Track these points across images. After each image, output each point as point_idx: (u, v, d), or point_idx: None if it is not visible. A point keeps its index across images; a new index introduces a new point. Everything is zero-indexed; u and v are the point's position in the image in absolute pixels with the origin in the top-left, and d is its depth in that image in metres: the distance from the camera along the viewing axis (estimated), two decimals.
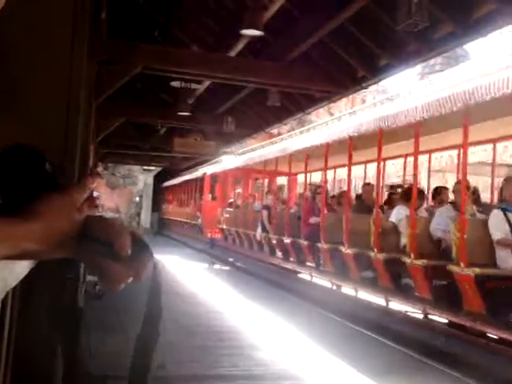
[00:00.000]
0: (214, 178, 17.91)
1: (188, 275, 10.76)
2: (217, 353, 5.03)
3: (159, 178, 24.78)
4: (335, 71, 7.53)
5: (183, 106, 9.69)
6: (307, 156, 9.11)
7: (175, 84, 9.16)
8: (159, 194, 25.98)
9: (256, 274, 10.61)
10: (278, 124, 11.61)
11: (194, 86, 9.21)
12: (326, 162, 8.41)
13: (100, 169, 21.79)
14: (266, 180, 14.36)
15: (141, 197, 24.44)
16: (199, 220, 18.31)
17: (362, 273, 7.26)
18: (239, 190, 15.56)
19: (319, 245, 8.28)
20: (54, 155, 2.19)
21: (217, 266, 12.65)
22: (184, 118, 10.43)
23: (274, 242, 10.48)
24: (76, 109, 2.57)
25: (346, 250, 7.34)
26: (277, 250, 10.49)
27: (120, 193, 23.87)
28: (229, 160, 16.15)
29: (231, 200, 15.27)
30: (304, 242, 8.92)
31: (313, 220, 8.88)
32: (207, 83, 9.05)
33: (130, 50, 6.78)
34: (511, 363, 4.70)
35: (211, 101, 10.55)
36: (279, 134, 16.68)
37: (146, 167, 23.63)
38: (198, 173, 19.72)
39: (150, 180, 24.68)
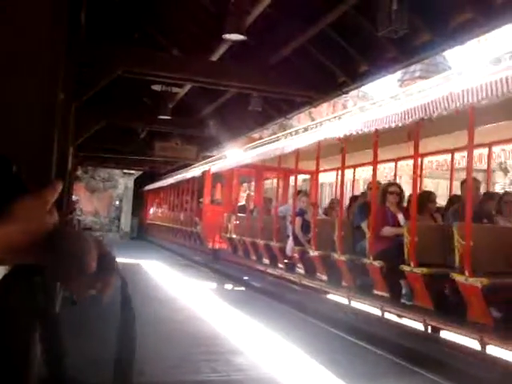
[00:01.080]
0: (217, 177, 14.71)
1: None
2: (196, 358, 5.00)
3: (140, 182, 24.61)
4: (316, 76, 7.58)
5: (164, 109, 9.65)
6: (376, 138, 6.40)
7: (156, 87, 9.13)
8: (141, 198, 25.58)
9: (289, 301, 7.83)
10: (259, 128, 11.64)
11: (174, 89, 9.18)
12: (417, 146, 5.88)
13: (79, 172, 21.61)
14: (291, 179, 11.41)
15: (121, 200, 24.25)
16: (198, 227, 15.19)
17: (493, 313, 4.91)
18: (249, 192, 12.74)
19: (406, 268, 5.60)
20: (30, 157, 2.15)
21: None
22: (165, 121, 10.38)
23: (315, 259, 7.79)
24: (53, 110, 2.53)
25: (468, 280, 4.83)
26: (318, 271, 7.79)
27: (100, 196, 23.67)
28: (236, 155, 13.10)
29: (241, 203, 12.49)
30: (374, 263, 6.20)
31: (387, 231, 6.35)
32: (188, 87, 9.03)
33: (110, 53, 6.73)
34: None
35: (192, 105, 10.53)
36: (260, 138, 16.71)
37: (126, 171, 23.48)
38: (195, 172, 16.65)
39: (131, 184, 24.52)
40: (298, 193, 9.41)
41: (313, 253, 7.82)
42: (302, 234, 8.38)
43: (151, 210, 25.14)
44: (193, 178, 16.70)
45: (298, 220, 8.53)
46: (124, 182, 24.23)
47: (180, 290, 9.48)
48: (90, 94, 7.02)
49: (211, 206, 15.06)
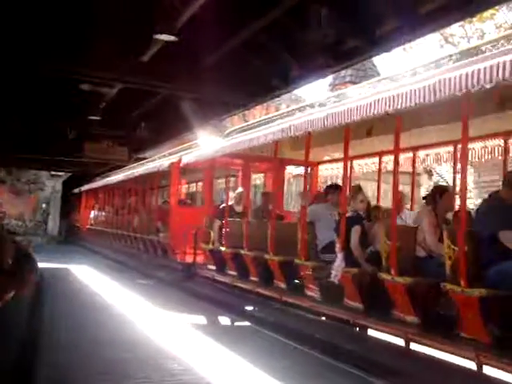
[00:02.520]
0: (188, 171, 11.80)
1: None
2: (127, 364, 4.87)
3: (69, 184, 23.74)
4: (249, 79, 7.62)
5: (94, 110, 9.38)
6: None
7: (85, 87, 8.82)
8: (73, 200, 24.47)
9: (356, 355, 4.93)
10: (192, 130, 11.55)
11: (105, 89, 8.91)
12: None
13: (2, 174, 20.59)
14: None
15: (48, 203, 23.30)
16: (162, 235, 12.05)
17: None
18: (240, 190, 9.65)
19: None
20: None
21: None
22: (95, 122, 10.09)
23: (398, 290, 4.94)
24: None
25: None
26: (402, 309, 4.95)
27: (25, 199, 22.64)
28: (219, 142, 9.96)
29: (231, 203, 9.45)
30: None
31: None
32: (119, 87, 8.80)
33: (33, 49, 6.45)
34: None
35: (124, 106, 10.27)
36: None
37: (54, 173, 22.60)
38: (156, 164, 13.25)
39: (59, 186, 23.63)
40: (355, 191, 6.50)
41: (392, 280, 4.92)
42: (360, 249, 5.86)
43: (92, 214, 21.82)
44: (153, 174, 12.99)
45: (357, 230, 5.93)
46: (51, 184, 23.31)
47: (115, 297, 9.20)
48: (13, 93, 6.69)
49: (181, 207, 12.08)
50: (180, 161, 11.23)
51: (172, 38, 5.88)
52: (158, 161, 14.05)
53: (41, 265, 10.49)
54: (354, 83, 14.79)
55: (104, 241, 17.85)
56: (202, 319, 7.05)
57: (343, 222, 5.94)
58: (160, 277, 11.02)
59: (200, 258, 9.92)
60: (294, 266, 6.68)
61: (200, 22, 6.44)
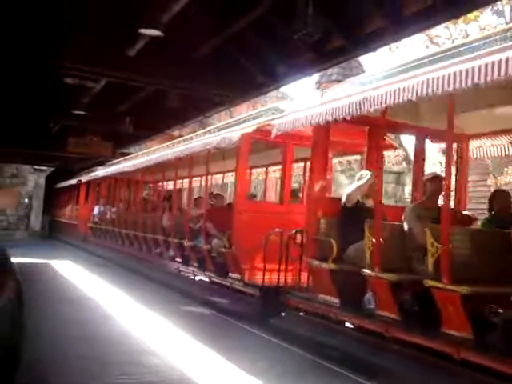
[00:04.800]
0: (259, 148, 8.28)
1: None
2: (104, 360, 4.82)
3: (53, 179, 23.49)
4: (235, 76, 7.61)
5: (78, 104, 9.30)
6: None
7: (69, 81, 8.73)
8: (64, 194, 24.03)
9: None
10: (178, 126, 11.53)
11: (90, 84, 8.83)
12: None
13: None
14: None
15: (30, 198, 23.05)
16: (215, 241, 8.34)
17: None
18: (369, 175, 5.69)
19: None
20: None
21: None
22: (79, 116, 10.00)
23: None
24: None
25: None
26: None
27: (6, 193, 22.36)
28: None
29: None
30: None
31: None
32: (104, 81, 8.74)
33: (18, 41, 6.37)
34: None
35: (109, 100, 10.19)
36: (180, 135, 16.55)
37: (37, 167, 22.37)
38: (205, 141, 8.73)
39: (42, 180, 23.38)
40: None
41: None
42: None
43: (96, 210, 17.82)
44: (199, 155, 9.08)
45: None
46: (34, 178, 23.05)
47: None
48: None
49: (251, 202, 8.65)
50: (263, 128, 7.04)
51: (158, 33, 5.85)
52: (204, 137, 9.36)
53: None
54: (341, 82, 14.83)
55: (116, 245, 14.30)
56: None
57: None
58: (217, 303, 7.56)
59: (290, 279, 6.65)
60: None
61: (187, 17, 6.42)
